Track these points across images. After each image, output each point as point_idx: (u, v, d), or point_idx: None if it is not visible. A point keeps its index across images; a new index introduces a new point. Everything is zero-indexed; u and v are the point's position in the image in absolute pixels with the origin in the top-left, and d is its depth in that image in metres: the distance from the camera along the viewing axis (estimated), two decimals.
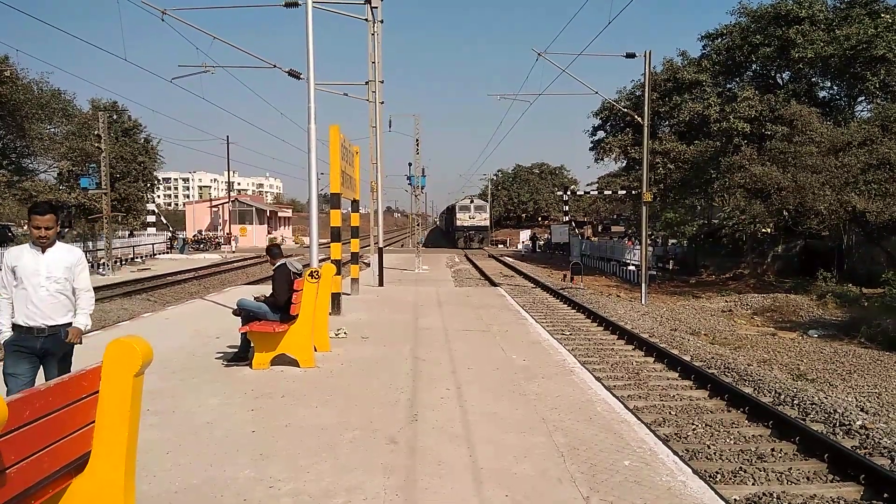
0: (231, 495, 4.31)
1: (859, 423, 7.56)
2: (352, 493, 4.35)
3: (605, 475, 4.65)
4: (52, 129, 38.35)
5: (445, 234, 79.03)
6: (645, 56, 21.13)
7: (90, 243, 34.11)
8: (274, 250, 8.51)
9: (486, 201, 59.90)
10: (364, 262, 24.77)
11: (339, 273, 12.64)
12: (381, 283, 18.35)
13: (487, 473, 4.67)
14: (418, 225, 37.50)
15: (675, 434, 7.32)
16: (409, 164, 42.96)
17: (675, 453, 5.19)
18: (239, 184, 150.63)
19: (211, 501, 4.23)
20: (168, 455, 5.03)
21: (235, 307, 8.22)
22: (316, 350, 8.60)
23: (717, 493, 4.44)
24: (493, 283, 21.52)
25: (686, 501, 4.24)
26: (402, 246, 53.76)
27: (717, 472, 6.15)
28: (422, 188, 43.46)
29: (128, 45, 27.91)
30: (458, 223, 52.78)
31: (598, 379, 7.95)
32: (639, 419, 6.08)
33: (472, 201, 54.88)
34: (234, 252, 46.27)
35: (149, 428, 5.36)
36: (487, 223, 52.45)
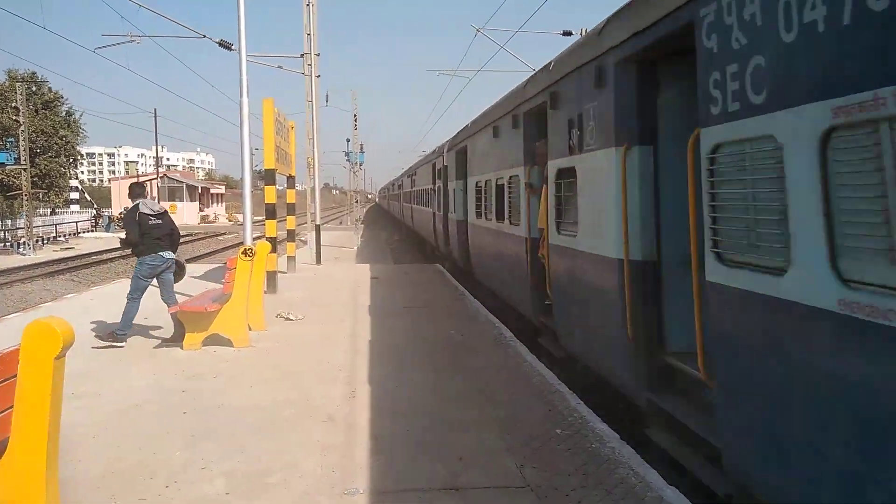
0: (162, 477, 4.22)
1: None
2: (288, 471, 4.33)
3: (538, 443, 4.78)
4: None
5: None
6: (581, 34, 21.38)
7: (9, 222, 32.43)
8: (136, 189, 8.35)
9: None
10: (301, 240, 24.42)
11: (274, 251, 12.42)
12: (318, 261, 18.15)
13: (424, 447, 4.73)
14: (357, 202, 37.19)
15: (606, 403, 7.56)
16: (347, 140, 42.38)
17: (605, 421, 5.37)
18: (168, 159, 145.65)
19: (140, 484, 4.13)
20: (94, 439, 4.88)
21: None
22: (251, 329, 8.48)
23: (643, 458, 4.63)
24: (432, 261, 21.56)
25: (614, 466, 4.41)
26: (341, 223, 53.00)
27: (646, 439, 6.38)
28: (360, 164, 42.90)
29: (47, 13, 26.12)
30: None
31: (531, 351, 8.12)
32: (570, 389, 6.26)
33: None
34: None
35: (73, 411, 5.18)
36: None
